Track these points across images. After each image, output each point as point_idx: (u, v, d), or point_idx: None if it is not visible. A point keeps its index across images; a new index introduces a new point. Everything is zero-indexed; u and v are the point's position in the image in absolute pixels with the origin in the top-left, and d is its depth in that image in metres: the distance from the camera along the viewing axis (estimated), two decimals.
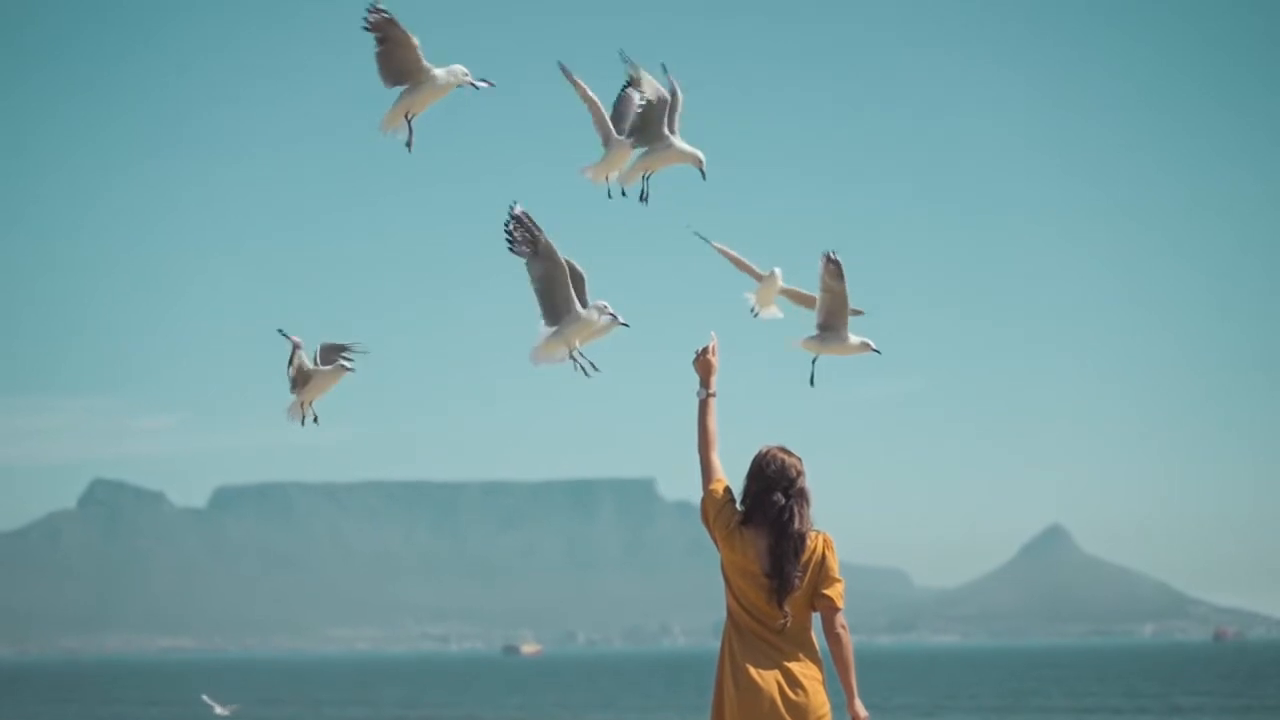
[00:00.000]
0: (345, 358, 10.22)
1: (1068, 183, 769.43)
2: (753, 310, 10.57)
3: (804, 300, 10.49)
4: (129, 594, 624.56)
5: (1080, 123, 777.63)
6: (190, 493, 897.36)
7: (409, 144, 9.67)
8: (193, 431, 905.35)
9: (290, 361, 10.22)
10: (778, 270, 10.47)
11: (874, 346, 10.35)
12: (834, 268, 10.14)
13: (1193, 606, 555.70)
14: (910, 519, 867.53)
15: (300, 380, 10.27)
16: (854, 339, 10.33)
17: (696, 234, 10.34)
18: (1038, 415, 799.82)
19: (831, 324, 10.33)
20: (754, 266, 10.49)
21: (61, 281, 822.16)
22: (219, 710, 59.73)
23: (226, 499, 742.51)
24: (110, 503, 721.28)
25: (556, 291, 9.58)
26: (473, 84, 9.53)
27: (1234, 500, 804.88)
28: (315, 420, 10.32)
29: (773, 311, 10.54)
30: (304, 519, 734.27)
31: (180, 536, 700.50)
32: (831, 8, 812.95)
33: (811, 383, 10.44)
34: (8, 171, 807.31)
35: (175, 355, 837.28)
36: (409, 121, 9.63)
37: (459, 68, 9.53)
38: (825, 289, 10.24)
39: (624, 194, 10.25)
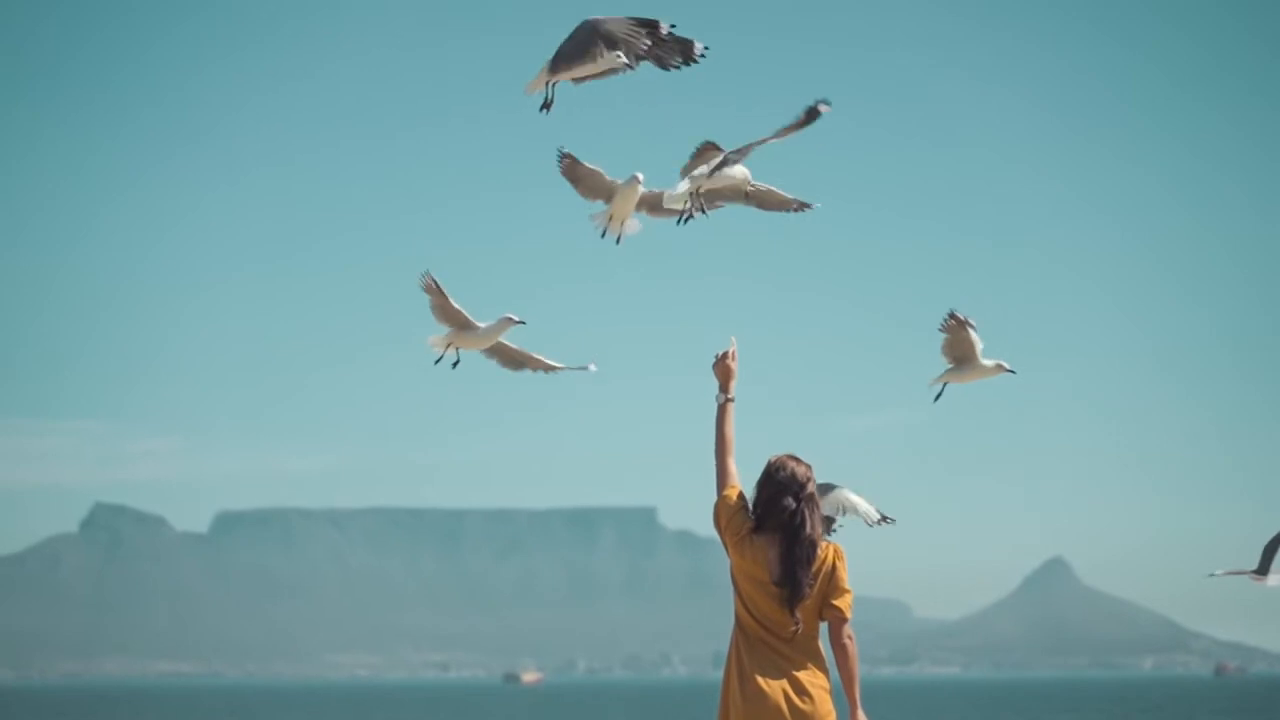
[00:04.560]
0: (508, 317, 10.27)
1: (1070, 217, 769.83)
2: (602, 232, 9.72)
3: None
4: (129, 619, 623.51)
5: (1082, 158, 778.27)
6: (191, 517, 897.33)
7: (546, 106, 9.34)
8: (194, 456, 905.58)
9: (438, 298, 10.14)
10: (640, 175, 9.60)
11: (1008, 367, 10.16)
12: (954, 322, 10.15)
13: (1194, 640, 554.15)
14: (911, 550, 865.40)
15: (458, 323, 10.26)
16: (988, 362, 10.15)
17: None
18: (1039, 448, 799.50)
19: (962, 358, 10.19)
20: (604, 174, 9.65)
21: (63, 303, 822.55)
22: None
23: (228, 524, 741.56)
24: (111, 527, 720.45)
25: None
26: (627, 64, 9.02)
27: (1234, 533, 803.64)
28: (455, 365, 10.50)
29: (632, 226, 9.69)
30: (305, 545, 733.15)
31: (181, 561, 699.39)
32: (834, 20, 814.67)
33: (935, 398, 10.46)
34: (4, 192, 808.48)
35: (178, 378, 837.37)
36: (551, 87, 9.31)
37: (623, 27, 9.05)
38: (953, 340, 10.20)
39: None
